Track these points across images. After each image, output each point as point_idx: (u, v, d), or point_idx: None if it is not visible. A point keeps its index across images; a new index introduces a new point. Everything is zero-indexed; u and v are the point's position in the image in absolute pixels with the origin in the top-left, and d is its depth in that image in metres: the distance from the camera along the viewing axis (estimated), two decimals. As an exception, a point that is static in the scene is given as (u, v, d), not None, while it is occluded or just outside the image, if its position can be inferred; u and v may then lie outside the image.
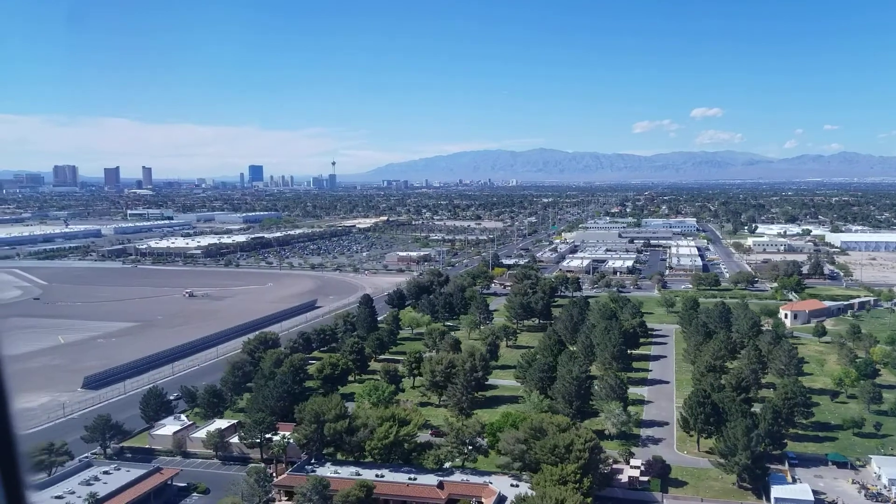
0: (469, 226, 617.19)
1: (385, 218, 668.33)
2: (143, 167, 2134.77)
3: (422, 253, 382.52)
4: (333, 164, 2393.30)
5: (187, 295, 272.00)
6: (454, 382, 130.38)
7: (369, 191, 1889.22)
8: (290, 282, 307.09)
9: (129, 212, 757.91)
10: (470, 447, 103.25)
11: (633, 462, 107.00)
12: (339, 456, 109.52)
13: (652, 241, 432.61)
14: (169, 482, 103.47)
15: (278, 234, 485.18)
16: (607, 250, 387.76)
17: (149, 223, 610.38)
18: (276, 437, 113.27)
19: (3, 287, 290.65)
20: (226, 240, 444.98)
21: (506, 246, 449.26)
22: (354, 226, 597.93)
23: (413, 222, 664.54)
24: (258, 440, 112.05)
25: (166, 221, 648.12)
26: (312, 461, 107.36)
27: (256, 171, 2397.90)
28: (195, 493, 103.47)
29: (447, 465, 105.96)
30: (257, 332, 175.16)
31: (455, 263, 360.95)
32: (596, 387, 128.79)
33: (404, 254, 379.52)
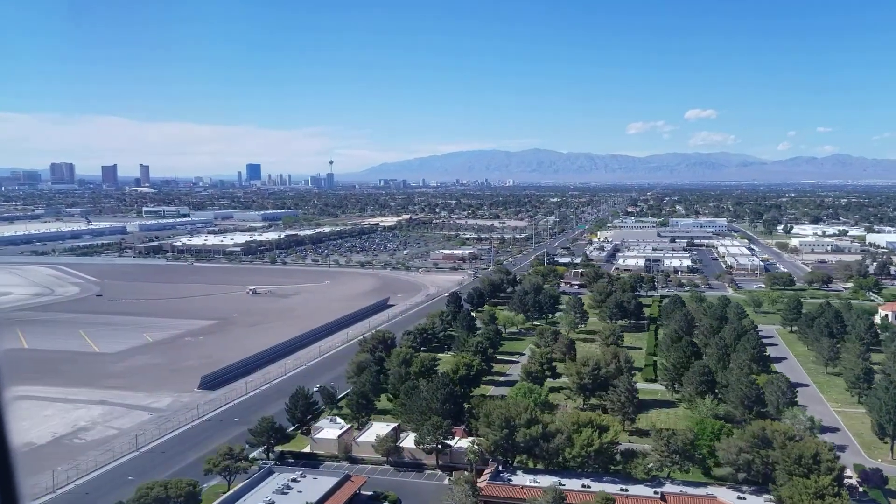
0: (492, 224, 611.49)
1: (408, 216, 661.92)
2: (141, 165, 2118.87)
3: (468, 251, 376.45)
4: (331, 163, 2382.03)
5: (251, 292, 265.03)
6: (614, 385, 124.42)
7: (369, 190, 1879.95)
8: (348, 280, 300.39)
9: (144, 209, 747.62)
10: (677, 455, 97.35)
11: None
12: (529, 463, 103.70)
13: (695, 241, 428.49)
14: (358, 491, 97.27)
15: (310, 232, 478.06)
16: (654, 249, 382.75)
17: (172, 220, 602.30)
18: (451, 442, 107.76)
19: (60, 283, 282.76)
20: (260, 237, 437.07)
21: (541, 245, 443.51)
22: (378, 224, 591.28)
23: (433, 221, 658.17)
24: (435, 445, 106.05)
25: (186, 219, 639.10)
26: (500, 469, 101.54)
27: (254, 170, 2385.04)
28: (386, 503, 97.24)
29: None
30: (373, 331, 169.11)
31: (502, 261, 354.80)
32: (766, 391, 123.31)
33: (450, 252, 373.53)
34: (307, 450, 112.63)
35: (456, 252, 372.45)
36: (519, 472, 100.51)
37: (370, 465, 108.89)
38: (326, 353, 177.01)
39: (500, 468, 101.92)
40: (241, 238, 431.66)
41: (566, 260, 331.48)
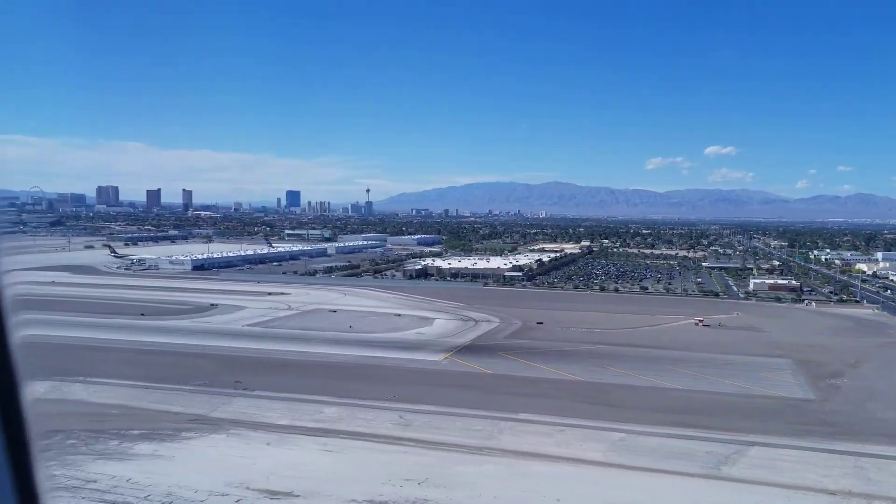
0: (677, 254, 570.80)
1: (588, 243, 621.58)
2: (184, 190, 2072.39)
3: (792, 282, 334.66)
4: (368, 191, 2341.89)
5: (698, 323, 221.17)
6: None
7: (411, 218, 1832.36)
8: (754, 310, 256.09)
9: (286, 233, 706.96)
10: None
11: None
12: None
13: None
14: None
15: (547, 258, 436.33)
16: None
17: (358, 244, 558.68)
18: None
19: (446, 308, 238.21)
20: (519, 262, 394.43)
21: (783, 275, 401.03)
22: (563, 250, 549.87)
23: (611, 250, 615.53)
24: None
25: (339, 244, 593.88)
26: None
27: (293, 196, 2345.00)
28: None
29: None
30: None
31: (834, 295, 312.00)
32: None
33: (773, 281, 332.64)
34: None
35: (781, 282, 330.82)
36: None
37: None
38: None
39: None
40: (496, 262, 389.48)
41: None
